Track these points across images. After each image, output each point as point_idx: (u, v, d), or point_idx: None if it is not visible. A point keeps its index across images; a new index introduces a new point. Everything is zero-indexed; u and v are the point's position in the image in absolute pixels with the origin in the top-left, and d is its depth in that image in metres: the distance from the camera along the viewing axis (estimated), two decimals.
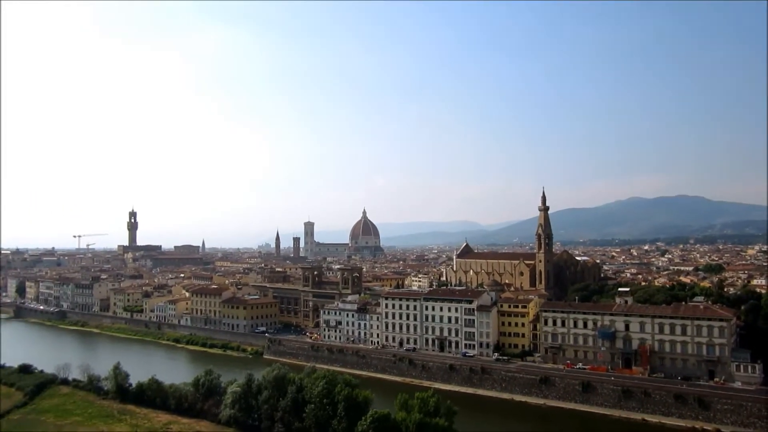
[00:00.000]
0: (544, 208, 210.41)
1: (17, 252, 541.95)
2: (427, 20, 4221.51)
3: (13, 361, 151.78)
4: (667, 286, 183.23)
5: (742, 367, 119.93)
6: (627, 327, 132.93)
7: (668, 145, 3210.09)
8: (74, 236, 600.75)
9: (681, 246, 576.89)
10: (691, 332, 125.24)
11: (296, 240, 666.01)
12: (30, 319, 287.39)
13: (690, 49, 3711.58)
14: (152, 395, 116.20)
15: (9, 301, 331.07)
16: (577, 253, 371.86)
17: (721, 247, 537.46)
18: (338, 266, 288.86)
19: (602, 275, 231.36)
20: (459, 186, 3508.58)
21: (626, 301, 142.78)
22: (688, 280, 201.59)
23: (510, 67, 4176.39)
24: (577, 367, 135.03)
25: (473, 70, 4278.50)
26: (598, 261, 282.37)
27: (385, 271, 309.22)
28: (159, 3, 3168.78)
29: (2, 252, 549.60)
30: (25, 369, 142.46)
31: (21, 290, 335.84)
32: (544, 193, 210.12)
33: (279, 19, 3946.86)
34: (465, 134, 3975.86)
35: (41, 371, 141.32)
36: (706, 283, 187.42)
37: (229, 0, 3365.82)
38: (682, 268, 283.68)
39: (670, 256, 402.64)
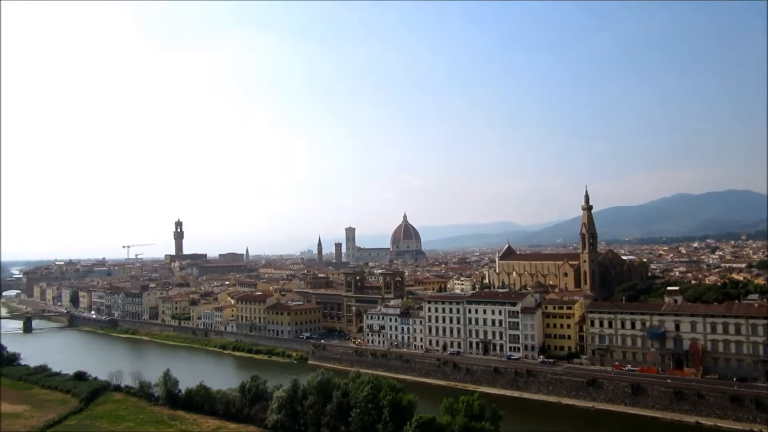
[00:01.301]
0: (588, 207, 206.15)
1: (70, 263, 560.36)
2: (454, 20, 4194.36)
3: (68, 368, 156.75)
4: (719, 284, 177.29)
5: None
6: (677, 327, 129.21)
7: (715, 138, 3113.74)
8: (123, 247, 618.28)
9: (732, 242, 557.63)
10: (745, 331, 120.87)
11: (338, 246, 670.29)
12: (83, 328, 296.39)
13: (738, 41, 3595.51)
14: (201, 401, 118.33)
15: (63, 310, 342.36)
16: (622, 252, 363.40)
17: None
18: (380, 271, 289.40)
19: (650, 274, 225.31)
20: (496, 185, 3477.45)
21: (676, 301, 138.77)
22: (741, 278, 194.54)
23: (538, 64, 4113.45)
24: (626, 368, 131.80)
25: (505, 68, 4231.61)
26: (644, 260, 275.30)
27: (427, 275, 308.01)
28: (197, 4, 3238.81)
29: (56, 263, 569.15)
30: (80, 376, 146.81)
31: (74, 300, 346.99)
32: (587, 191, 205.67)
33: (310, 23, 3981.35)
34: (500, 132, 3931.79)
35: (95, 378, 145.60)
36: (760, 280, 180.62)
37: (261, 1, 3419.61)
38: (734, 265, 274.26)
39: (720, 253, 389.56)
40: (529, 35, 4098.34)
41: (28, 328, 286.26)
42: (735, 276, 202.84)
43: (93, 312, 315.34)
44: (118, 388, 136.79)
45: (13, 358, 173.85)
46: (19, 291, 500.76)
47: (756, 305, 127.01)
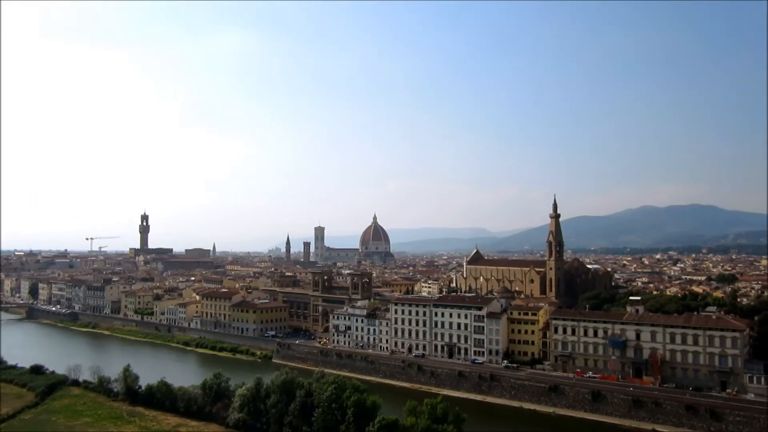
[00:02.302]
0: (556, 216, 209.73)
1: (30, 254, 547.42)
2: (437, 25, 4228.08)
3: (25, 361, 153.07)
4: (679, 295, 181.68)
5: (755, 378, 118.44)
6: (638, 336, 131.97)
7: (681, 153, 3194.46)
8: (87, 239, 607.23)
9: (693, 255, 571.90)
10: (703, 342, 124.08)
11: (306, 245, 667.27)
12: (42, 320, 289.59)
13: (703, 57, 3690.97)
14: (161, 398, 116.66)
15: (22, 302, 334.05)
16: (588, 261, 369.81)
17: (734, 257, 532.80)
18: (348, 271, 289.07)
19: (613, 284, 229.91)
20: (470, 193, 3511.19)
21: (637, 310, 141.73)
22: (701, 290, 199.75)
23: (522, 73, 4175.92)
24: (587, 375, 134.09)
25: (484, 78, 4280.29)
26: (609, 269, 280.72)
27: (395, 277, 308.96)
28: (180, 4, 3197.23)
29: (16, 253, 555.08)
30: (37, 370, 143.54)
31: (34, 291, 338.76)
32: (555, 200, 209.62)
33: (290, 21, 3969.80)
34: (476, 141, 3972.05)
35: (53, 372, 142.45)
36: (719, 293, 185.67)
37: (243, 1, 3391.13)
38: (694, 277, 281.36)
39: (682, 266, 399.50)
40: (511, 42, 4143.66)
41: None
42: (695, 288, 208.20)
43: (53, 305, 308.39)
44: (76, 383, 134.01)
45: None
46: None
47: (714, 317, 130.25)
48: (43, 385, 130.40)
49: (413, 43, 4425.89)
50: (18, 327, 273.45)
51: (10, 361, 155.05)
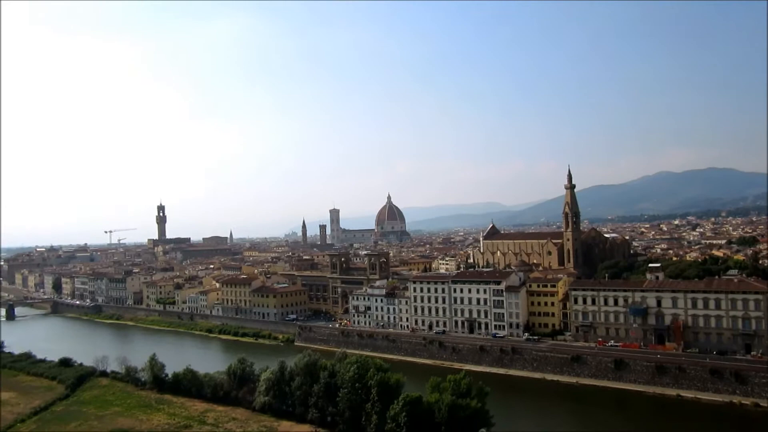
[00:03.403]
0: (570, 187, 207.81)
1: (52, 249, 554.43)
2: (441, 5, 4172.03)
3: (53, 355, 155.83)
4: (700, 260, 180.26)
5: None
6: (659, 303, 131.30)
7: (696, 117, 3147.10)
8: (105, 232, 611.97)
9: (712, 219, 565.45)
10: (725, 306, 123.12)
11: (322, 228, 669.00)
12: (67, 314, 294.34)
13: (714, 16, 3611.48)
14: (188, 385, 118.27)
15: (46, 297, 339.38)
16: (605, 230, 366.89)
17: (754, 219, 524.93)
18: (365, 252, 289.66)
19: (632, 252, 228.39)
20: (478, 167, 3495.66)
21: (657, 277, 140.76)
22: (721, 254, 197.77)
23: (523, 42, 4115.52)
24: (609, 344, 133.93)
25: (484, 49, 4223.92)
26: (627, 237, 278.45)
27: (412, 255, 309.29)
28: None
29: (38, 250, 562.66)
30: (66, 362, 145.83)
31: (57, 286, 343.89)
32: (569, 171, 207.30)
33: (289, 5, 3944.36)
34: (485, 116, 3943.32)
35: (81, 364, 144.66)
36: (739, 256, 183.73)
37: None
38: (714, 241, 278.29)
39: (701, 230, 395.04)
40: (512, 10, 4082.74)
41: (11, 316, 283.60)
42: (715, 252, 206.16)
43: (77, 298, 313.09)
44: (104, 374, 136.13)
45: None
46: (0, 278, 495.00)
47: (735, 281, 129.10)
48: (73, 377, 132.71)
49: (412, 20, 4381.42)
50: (44, 322, 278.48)
51: (39, 355, 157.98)
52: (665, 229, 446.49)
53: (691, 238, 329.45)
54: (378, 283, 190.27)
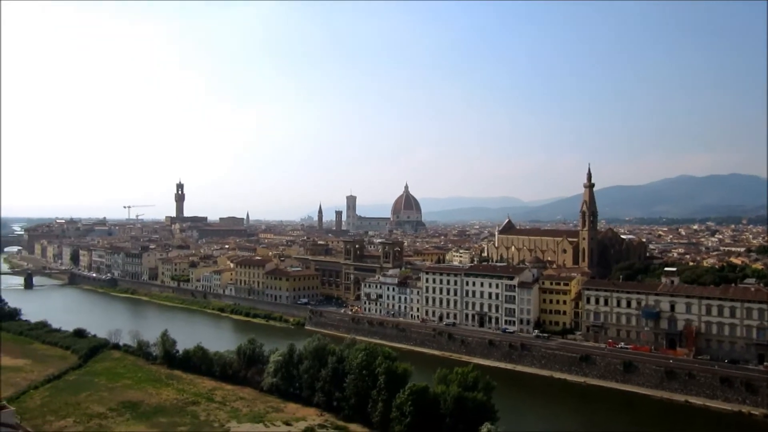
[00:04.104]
0: (590, 185, 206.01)
1: (71, 221, 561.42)
2: None
3: (68, 325, 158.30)
4: (717, 267, 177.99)
5: None
6: (672, 307, 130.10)
7: (722, 120, 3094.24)
8: (124, 207, 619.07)
9: (732, 226, 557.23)
10: (740, 315, 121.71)
11: (338, 213, 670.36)
12: (83, 286, 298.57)
13: (745, 19, 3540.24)
14: (198, 362, 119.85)
15: (64, 268, 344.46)
16: (622, 231, 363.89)
17: None
18: (379, 240, 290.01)
19: (648, 254, 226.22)
20: (501, 161, 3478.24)
21: (672, 281, 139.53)
22: (739, 262, 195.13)
23: (548, 38, 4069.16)
24: (620, 346, 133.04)
25: (509, 44, 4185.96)
26: (644, 240, 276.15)
27: (426, 246, 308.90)
28: None
29: (57, 221, 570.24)
30: (80, 333, 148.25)
31: (75, 258, 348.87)
32: (589, 169, 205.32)
33: None
34: (507, 109, 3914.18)
35: (94, 336, 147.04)
36: (758, 265, 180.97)
37: None
38: (733, 249, 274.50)
39: (720, 237, 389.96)
40: (537, 6, 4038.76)
41: (29, 285, 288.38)
42: (733, 260, 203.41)
43: (93, 271, 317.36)
44: (116, 346, 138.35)
45: (14, 314, 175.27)
46: (20, 248, 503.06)
47: (753, 290, 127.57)
48: (86, 348, 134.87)
49: (437, 10, 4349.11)
50: (60, 292, 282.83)
51: (54, 325, 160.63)
52: (683, 233, 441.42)
53: (710, 244, 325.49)
54: (391, 271, 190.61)
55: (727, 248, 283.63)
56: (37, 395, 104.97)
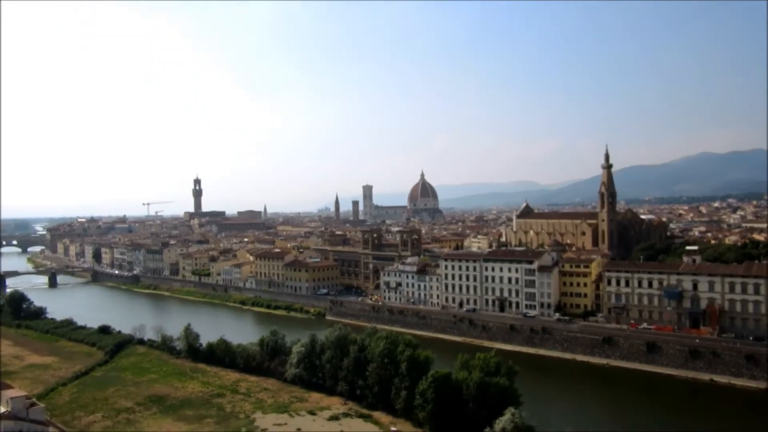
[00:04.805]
0: (608, 166, 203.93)
1: (92, 220, 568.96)
2: None
3: (93, 322, 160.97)
4: (739, 244, 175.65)
5: None
6: (695, 286, 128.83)
7: (741, 96, 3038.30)
8: (143, 204, 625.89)
9: (755, 202, 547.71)
10: (764, 292, 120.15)
11: (355, 203, 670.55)
12: (106, 283, 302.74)
13: None
14: (221, 355, 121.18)
15: (87, 266, 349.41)
16: (642, 211, 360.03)
17: None
18: (397, 229, 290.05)
19: (669, 234, 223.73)
20: (516, 145, 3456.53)
21: (694, 260, 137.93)
22: (762, 238, 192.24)
23: (560, 22, 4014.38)
24: (642, 327, 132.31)
25: (525, 27, 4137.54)
26: (664, 219, 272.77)
27: (444, 233, 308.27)
28: None
29: (78, 220, 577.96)
30: (105, 330, 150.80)
31: (97, 256, 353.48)
32: (607, 150, 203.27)
33: None
34: (520, 93, 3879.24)
35: (119, 332, 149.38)
36: None
37: None
38: (755, 225, 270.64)
39: (742, 213, 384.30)
40: None
41: (53, 283, 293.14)
42: (756, 236, 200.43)
43: (115, 268, 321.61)
44: (141, 342, 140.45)
45: (40, 312, 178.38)
46: (43, 247, 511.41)
47: None
48: (111, 344, 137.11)
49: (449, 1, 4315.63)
50: (84, 290, 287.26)
51: (80, 322, 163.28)
52: (704, 211, 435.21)
53: (731, 221, 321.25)
54: (410, 259, 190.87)
55: (749, 225, 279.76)
56: (66, 392, 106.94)
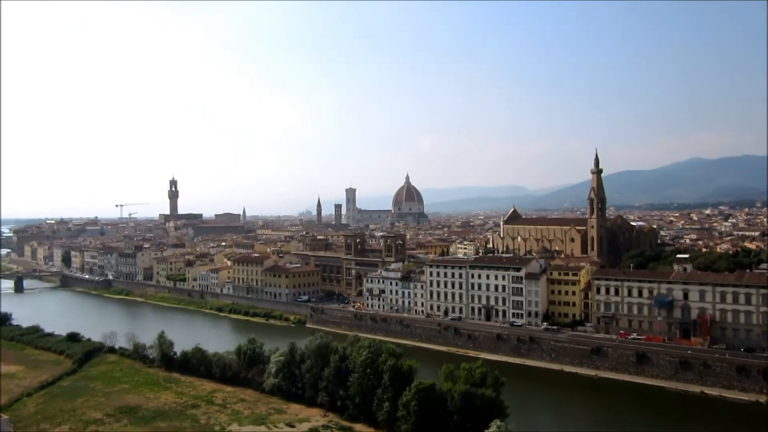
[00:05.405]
0: (597, 171, 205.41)
1: (62, 222, 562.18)
2: None
3: (61, 329, 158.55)
4: (731, 252, 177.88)
5: None
6: (686, 296, 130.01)
7: (732, 101, 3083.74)
8: (116, 205, 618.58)
9: (746, 210, 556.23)
10: (756, 301, 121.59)
11: (338, 207, 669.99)
12: (76, 288, 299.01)
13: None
14: (197, 363, 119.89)
15: (55, 270, 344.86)
16: (632, 218, 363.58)
17: None
18: (381, 233, 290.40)
19: (659, 241, 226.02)
20: (504, 148, 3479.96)
21: (685, 269, 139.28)
22: (754, 246, 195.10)
23: (548, 19, 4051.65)
24: (632, 337, 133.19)
25: (514, 26, 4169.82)
26: (654, 226, 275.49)
27: (429, 238, 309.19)
28: None
29: (47, 222, 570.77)
30: (74, 337, 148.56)
31: (66, 259, 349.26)
32: (597, 154, 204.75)
33: None
34: (512, 94, 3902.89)
35: (89, 339, 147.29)
36: None
37: None
38: (747, 233, 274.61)
39: (734, 221, 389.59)
40: None
41: (19, 288, 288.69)
42: (748, 244, 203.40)
43: (86, 272, 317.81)
44: (112, 350, 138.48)
45: (5, 318, 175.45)
46: (9, 250, 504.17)
47: None
48: (80, 352, 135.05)
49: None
50: (53, 295, 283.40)
51: (47, 329, 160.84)
52: (695, 218, 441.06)
53: (723, 229, 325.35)
54: (393, 265, 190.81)
55: (741, 233, 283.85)
56: (31, 402, 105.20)
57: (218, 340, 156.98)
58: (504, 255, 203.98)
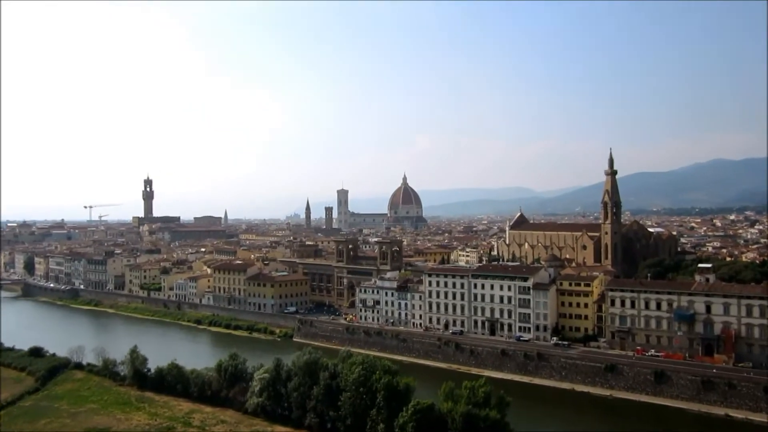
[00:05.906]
0: (612, 172, 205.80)
1: (24, 225, 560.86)
2: None
3: (23, 343, 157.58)
4: (757, 261, 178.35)
5: None
6: (708, 309, 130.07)
7: (757, 98, 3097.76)
8: (85, 207, 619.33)
9: None
10: None
11: (328, 210, 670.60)
12: (40, 298, 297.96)
13: None
14: (173, 381, 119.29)
15: (17, 278, 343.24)
16: (649, 223, 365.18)
17: None
18: (376, 239, 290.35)
19: (679, 249, 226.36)
20: (510, 147, 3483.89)
21: (707, 279, 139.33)
22: None
23: (568, 16, 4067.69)
24: (649, 354, 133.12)
25: (516, 21, 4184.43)
26: (674, 233, 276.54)
27: (429, 245, 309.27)
28: None
29: (8, 225, 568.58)
30: (37, 352, 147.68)
31: (29, 266, 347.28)
32: (611, 155, 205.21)
33: None
34: (518, 89, 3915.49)
35: (53, 354, 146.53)
36: None
37: None
38: None
39: (760, 227, 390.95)
40: None
41: None
42: None
43: (51, 281, 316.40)
44: (79, 366, 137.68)
45: None
46: None
47: None
48: (44, 368, 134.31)
49: None
50: (14, 305, 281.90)
51: (8, 343, 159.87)
52: (719, 224, 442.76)
53: (749, 236, 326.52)
54: (389, 274, 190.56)
55: None
56: None
57: (197, 356, 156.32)
58: (510, 263, 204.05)
